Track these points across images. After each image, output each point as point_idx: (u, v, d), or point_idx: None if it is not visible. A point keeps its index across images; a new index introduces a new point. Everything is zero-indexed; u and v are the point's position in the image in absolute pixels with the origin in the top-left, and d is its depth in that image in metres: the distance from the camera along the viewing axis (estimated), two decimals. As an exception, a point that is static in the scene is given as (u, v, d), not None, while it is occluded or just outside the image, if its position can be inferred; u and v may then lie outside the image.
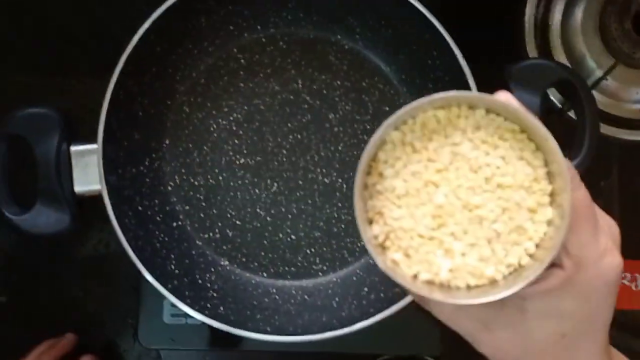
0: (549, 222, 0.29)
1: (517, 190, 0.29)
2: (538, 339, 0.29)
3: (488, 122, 0.30)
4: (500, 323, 0.30)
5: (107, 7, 0.63)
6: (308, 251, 0.57)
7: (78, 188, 0.50)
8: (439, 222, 0.29)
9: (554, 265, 0.28)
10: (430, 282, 0.30)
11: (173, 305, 0.56)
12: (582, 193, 0.28)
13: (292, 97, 0.57)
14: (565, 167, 0.28)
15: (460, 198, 0.29)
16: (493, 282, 0.29)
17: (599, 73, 0.60)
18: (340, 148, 0.57)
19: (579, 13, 0.61)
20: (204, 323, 0.50)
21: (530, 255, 0.29)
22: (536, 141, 0.30)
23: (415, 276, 0.30)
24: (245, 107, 0.58)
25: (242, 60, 0.58)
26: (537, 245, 0.29)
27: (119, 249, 0.60)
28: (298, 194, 0.57)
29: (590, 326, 0.29)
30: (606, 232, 0.29)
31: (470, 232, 0.29)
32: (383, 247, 0.31)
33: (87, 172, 0.50)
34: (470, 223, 0.29)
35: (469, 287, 0.29)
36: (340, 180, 0.56)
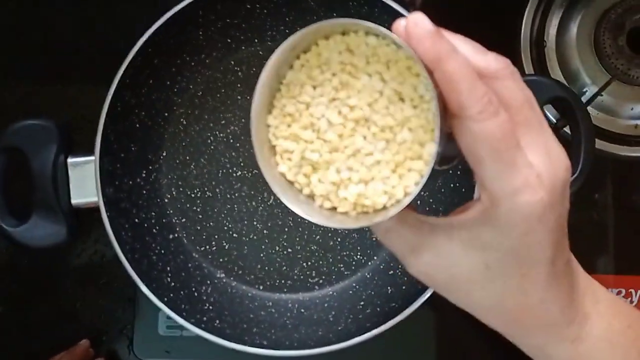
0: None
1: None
2: (463, 267, 0.29)
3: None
4: (427, 247, 0.30)
5: (107, 19, 0.63)
6: (304, 264, 0.57)
7: (75, 200, 0.50)
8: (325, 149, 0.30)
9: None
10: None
11: (169, 317, 0.56)
12: (492, 125, 0.26)
13: (289, 110, 0.58)
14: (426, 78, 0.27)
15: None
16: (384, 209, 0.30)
17: (594, 89, 0.60)
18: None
19: (573, 29, 0.61)
20: (199, 336, 0.50)
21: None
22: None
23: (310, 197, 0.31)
24: (243, 120, 0.58)
25: (240, 73, 0.58)
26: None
27: (115, 259, 0.60)
28: (295, 207, 0.57)
29: (517, 261, 0.29)
30: (534, 167, 0.27)
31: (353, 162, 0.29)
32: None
33: (84, 184, 0.50)
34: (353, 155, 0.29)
35: (361, 212, 0.30)
36: (336, 193, 0.56)
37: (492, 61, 0.28)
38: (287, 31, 0.57)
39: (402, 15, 0.49)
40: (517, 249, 0.28)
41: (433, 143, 0.28)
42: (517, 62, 0.60)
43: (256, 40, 0.58)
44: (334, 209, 0.31)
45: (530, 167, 0.27)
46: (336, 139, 0.29)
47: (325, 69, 0.30)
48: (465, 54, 0.27)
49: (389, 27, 0.28)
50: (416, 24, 0.26)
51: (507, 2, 0.62)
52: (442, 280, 0.31)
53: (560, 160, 0.28)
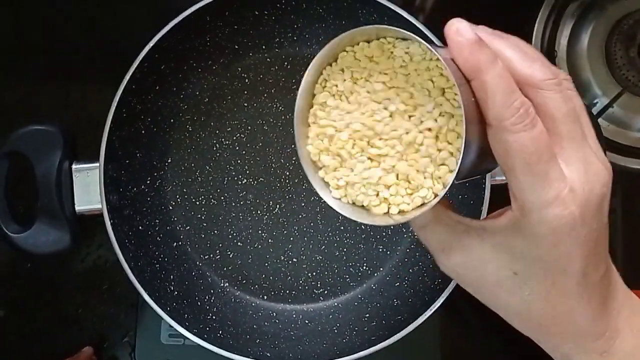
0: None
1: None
2: (491, 270, 0.30)
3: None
4: (459, 247, 0.31)
5: (114, 23, 0.63)
6: (309, 275, 0.56)
7: (79, 207, 0.49)
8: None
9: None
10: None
11: (171, 325, 0.56)
12: (525, 138, 0.26)
13: (296, 118, 0.57)
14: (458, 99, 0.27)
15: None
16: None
17: (604, 100, 0.60)
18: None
19: (585, 40, 0.61)
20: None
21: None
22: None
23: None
24: (249, 127, 0.57)
25: (247, 80, 0.58)
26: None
27: (118, 265, 0.60)
28: (300, 216, 0.56)
29: (545, 270, 0.29)
30: (567, 181, 0.27)
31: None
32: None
33: (88, 191, 0.49)
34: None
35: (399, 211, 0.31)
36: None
37: (537, 71, 0.28)
38: (294, 38, 0.57)
39: (411, 24, 0.49)
40: (546, 259, 0.29)
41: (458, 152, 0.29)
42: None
43: (264, 47, 0.57)
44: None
45: (563, 180, 0.27)
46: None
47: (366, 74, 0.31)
48: (511, 61, 0.27)
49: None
50: (458, 32, 0.27)
51: (518, 12, 0.62)
52: (470, 281, 0.32)
53: (598, 175, 0.28)
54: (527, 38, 0.60)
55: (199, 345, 0.49)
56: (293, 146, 0.56)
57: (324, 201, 0.32)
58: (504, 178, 0.48)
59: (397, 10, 0.49)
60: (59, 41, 0.63)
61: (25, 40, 0.63)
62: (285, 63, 0.58)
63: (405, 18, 0.49)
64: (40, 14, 0.63)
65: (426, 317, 0.48)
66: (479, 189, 0.49)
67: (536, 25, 0.61)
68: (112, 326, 0.60)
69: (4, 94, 0.62)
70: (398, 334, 0.48)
